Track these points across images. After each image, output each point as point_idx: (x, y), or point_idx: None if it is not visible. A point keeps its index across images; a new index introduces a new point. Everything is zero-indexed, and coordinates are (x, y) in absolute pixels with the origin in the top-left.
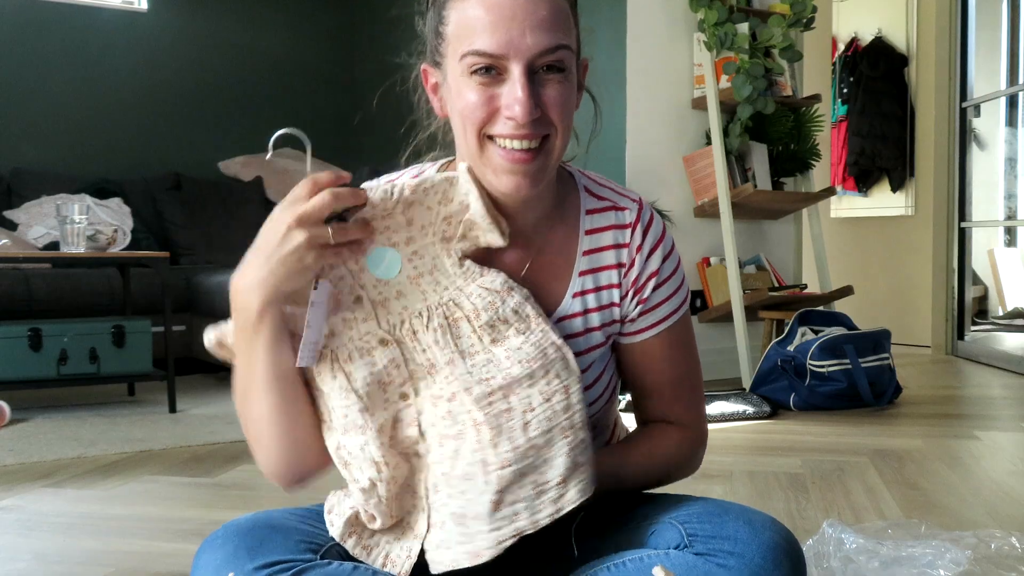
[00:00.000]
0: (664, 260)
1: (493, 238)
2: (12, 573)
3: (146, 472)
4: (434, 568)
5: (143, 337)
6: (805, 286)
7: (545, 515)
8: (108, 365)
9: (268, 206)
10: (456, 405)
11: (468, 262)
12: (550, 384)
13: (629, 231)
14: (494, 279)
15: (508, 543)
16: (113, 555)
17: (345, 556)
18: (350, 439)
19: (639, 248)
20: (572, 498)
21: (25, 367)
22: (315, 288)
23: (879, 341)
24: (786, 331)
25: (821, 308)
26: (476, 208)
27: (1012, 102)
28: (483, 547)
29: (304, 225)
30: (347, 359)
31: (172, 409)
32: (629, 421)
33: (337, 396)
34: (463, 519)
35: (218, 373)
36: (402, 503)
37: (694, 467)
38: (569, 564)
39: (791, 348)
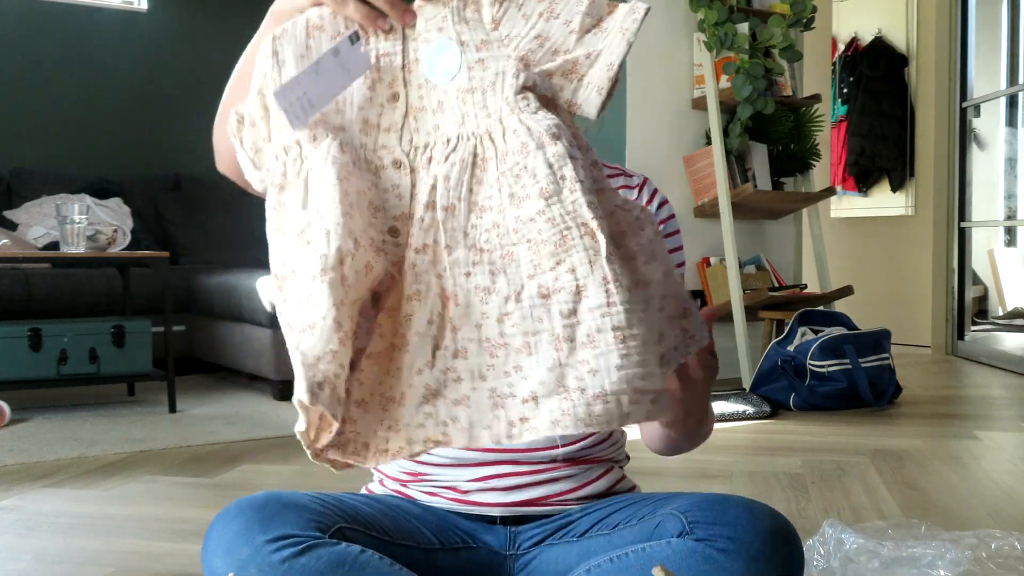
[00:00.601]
0: (670, 217)
1: (590, 102)
2: (12, 573)
3: (146, 472)
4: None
5: (143, 337)
6: (805, 286)
7: (487, 432)
8: (108, 365)
9: None
10: (425, 259)
11: (531, 95)
12: (558, 278)
13: (637, 190)
14: (543, 119)
15: (418, 449)
16: (113, 555)
17: (351, 538)
18: (305, 257)
19: (648, 201)
20: (537, 427)
21: (25, 367)
22: (351, 41)
23: (879, 341)
24: (786, 331)
25: (821, 308)
26: (615, 50)
27: (1012, 102)
28: (391, 443)
29: None
30: (346, 166)
31: (172, 409)
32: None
33: (317, 193)
34: (388, 401)
35: (218, 373)
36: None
37: (708, 430)
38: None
39: (791, 348)
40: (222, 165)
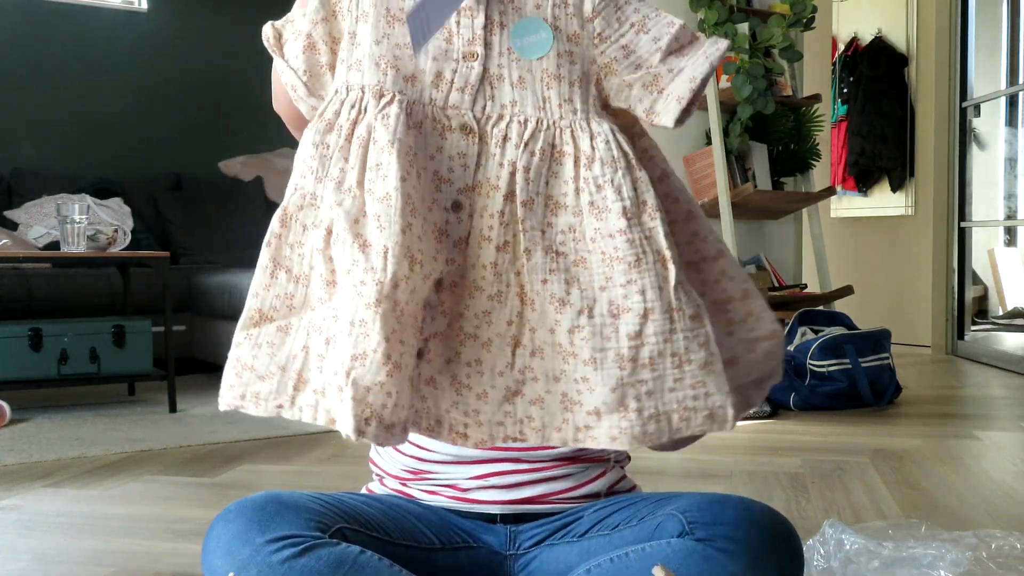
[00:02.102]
0: None
1: (669, 111)
2: (12, 573)
3: (146, 472)
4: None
5: (143, 337)
6: (805, 286)
7: (557, 435)
8: (108, 365)
9: (268, 206)
10: (505, 259)
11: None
12: (628, 298)
13: None
14: (627, 142)
15: (498, 443)
16: (113, 555)
17: (351, 539)
18: (350, 259)
19: None
20: (597, 438)
21: (25, 367)
22: None
23: (879, 341)
24: (786, 331)
25: (821, 308)
26: (699, 67)
27: (1012, 102)
28: (472, 432)
29: None
30: (412, 123)
31: (172, 409)
32: None
33: (377, 151)
34: (465, 389)
35: (218, 373)
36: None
37: None
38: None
39: (791, 348)
40: (277, 104)
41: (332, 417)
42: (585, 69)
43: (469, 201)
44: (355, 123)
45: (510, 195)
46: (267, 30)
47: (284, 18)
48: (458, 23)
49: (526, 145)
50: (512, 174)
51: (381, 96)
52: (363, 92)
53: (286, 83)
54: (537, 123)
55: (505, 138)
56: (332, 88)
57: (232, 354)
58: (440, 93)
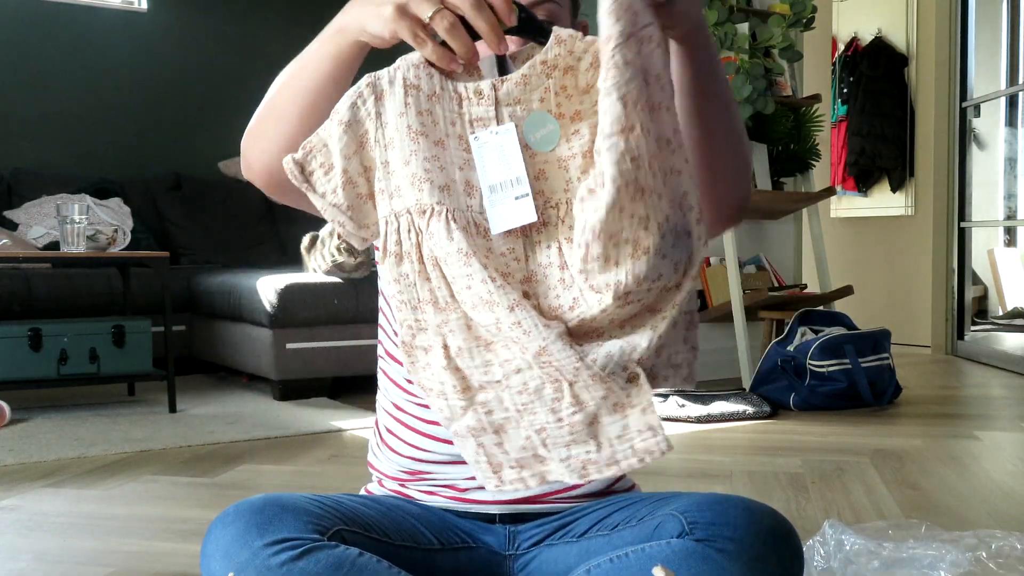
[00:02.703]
0: None
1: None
2: (12, 573)
3: (146, 472)
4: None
5: (143, 337)
6: (805, 286)
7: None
8: (108, 365)
9: (268, 206)
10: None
11: None
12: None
13: None
14: None
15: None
16: (113, 555)
17: (350, 540)
18: (479, 313)
19: None
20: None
21: (25, 367)
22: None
23: (879, 341)
24: (786, 331)
25: (821, 308)
26: None
27: (1012, 102)
28: (550, 470)
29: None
30: (459, 228)
31: (172, 409)
32: None
33: (456, 262)
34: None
35: (218, 373)
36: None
37: (742, 147)
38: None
39: (791, 348)
40: (251, 174)
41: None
42: (592, 132)
43: (533, 291)
44: (419, 245)
45: (563, 265)
46: (289, 164)
47: (303, 149)
48: (473, 133)
49: (563, 221)
50: (559, 249)
51: (423, 212)
52: (410, 214)
53: (330, 219)
54: (567, 203)
55: (544, 226)
56: (381, 220)
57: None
58: (474, 200)
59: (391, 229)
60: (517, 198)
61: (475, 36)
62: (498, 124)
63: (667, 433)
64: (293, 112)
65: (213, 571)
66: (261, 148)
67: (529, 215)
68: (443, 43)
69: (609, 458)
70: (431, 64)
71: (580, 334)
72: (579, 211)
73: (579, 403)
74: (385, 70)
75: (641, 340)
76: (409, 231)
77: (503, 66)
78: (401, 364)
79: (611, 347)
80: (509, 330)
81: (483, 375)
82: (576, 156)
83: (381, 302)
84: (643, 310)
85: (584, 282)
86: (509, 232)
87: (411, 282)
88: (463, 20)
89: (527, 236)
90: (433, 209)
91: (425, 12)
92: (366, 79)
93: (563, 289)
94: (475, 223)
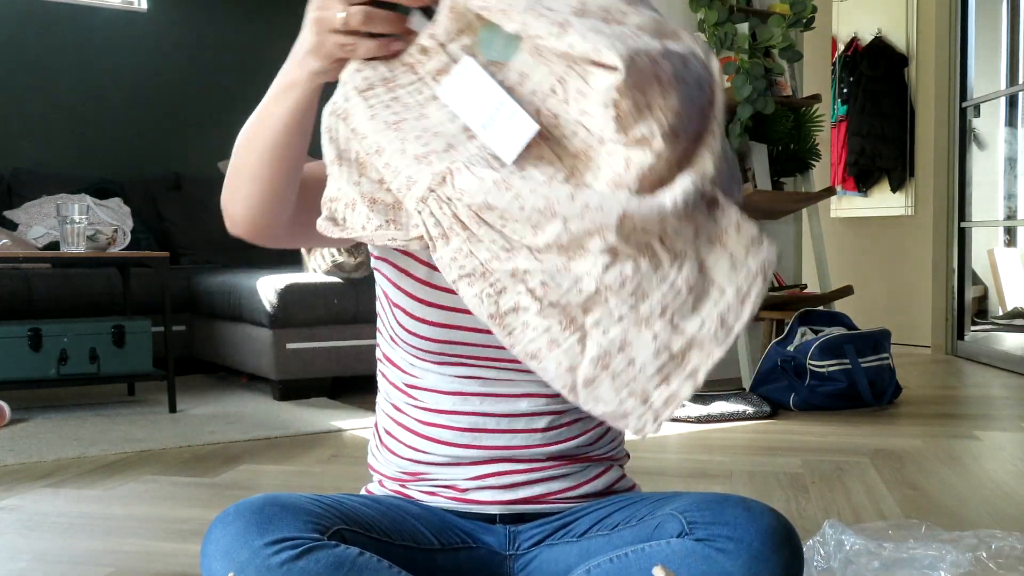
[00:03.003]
0: None
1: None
2: (12, 573)
3: (146, 472)
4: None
5: (143, 337)
6: (805, 286)
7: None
8: (108, 365)
9: None
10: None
11: None
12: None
13: None
14: None
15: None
16: (113, 555)
17: (350, 540)
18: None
19: None
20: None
21: (25, 367)
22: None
23: (879, 341)
24: (786, 331)
25: (821, 308)
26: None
27: (1012, 102)
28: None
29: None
30: (485, 166)
31: (172, 409)
32: None
33: (498, 197)
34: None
35: (218, 373)
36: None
37: None
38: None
39: (791, 348)
40: (237, 229)
41: None
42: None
43: (581, 180)
44: (456, 216)
45: (600, 140)
46: (323, 225)
47: (324, 207)
48: (439, 83)
49: (568, 103)
50: (584, 127)
51: (442, 179)
52: (431, 191)
53: (382, 243)
54: (562, 82)
55: (556, 116)
56: (414, 214)
57: None
58: (479, 141)
59: (425, 215)
60: (510, 118)
61: (391, 7)
62: (456, 64)
63: (667, 433)
64: (262, 169)
65: (213, 571)
66: (243, 205)
67: (529, 127)
68: (371, 34)
69: (737, 295)
70: (372, 59)
71: (646, 190)
72: (590, 82)
73: (677, 255)
74: (336, 94)
75: (705, 164)
76: (441, 207)
77: (431, 13)
78: (399, 367)
79: (683, 182)
80: (579, 221)
81: (578, 294)
82: (544, 54)
83: (378, 306)
84: (690, 141)
85: (625, 142)
86: (528, 147)
87: (466, 252)
88: (373, 3)
89: (546, 138)
90: (450, 170)
91: (336, 18)
92: (326, 111)
93: (609, 158)
94: (494, 157)
